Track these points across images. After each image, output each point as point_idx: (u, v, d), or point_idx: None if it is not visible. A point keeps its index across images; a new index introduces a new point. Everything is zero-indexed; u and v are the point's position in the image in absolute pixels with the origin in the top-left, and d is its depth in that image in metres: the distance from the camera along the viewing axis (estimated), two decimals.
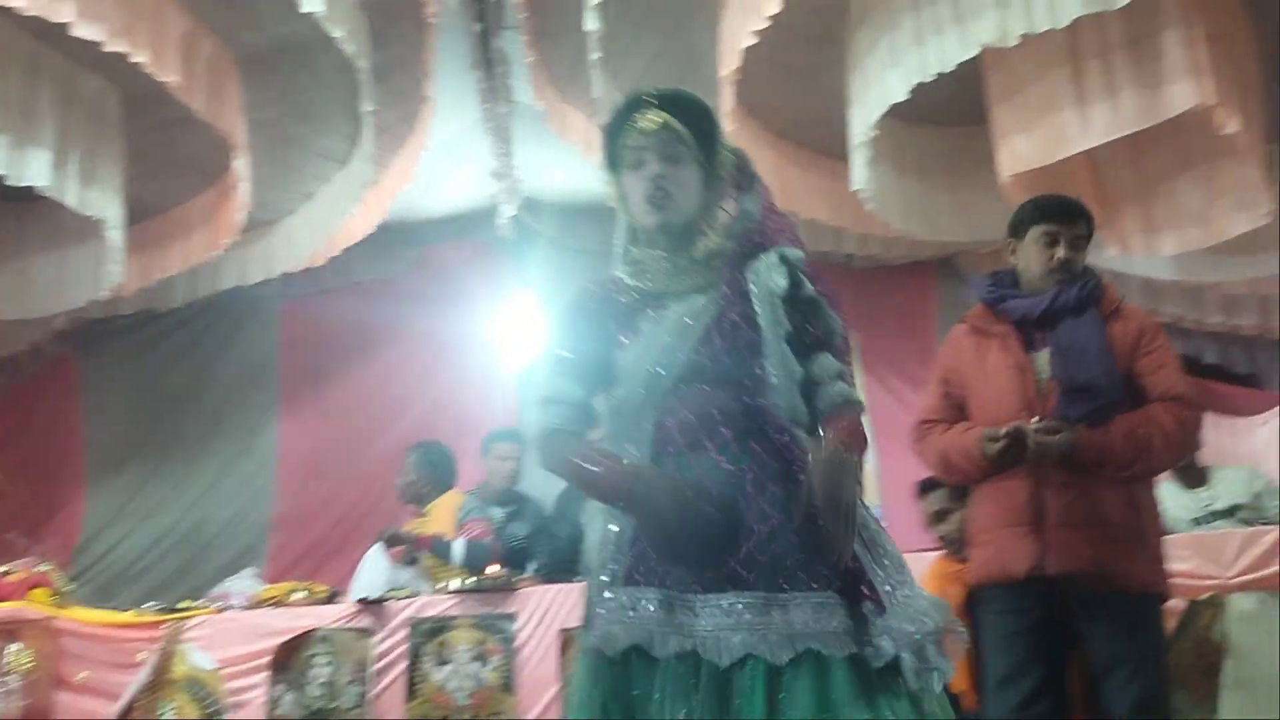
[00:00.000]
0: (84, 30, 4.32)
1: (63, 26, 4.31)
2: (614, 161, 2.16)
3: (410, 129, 6.17)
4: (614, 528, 2.01)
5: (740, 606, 1.81)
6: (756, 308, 2.01)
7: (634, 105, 2.14)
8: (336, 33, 4.73)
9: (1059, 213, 3.11)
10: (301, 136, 6.13)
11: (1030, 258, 3.09)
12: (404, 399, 7.47)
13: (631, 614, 1.85)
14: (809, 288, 2.03)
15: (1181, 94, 4.54)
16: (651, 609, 1.84)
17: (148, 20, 4.63)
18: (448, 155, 6.82)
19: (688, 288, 2.11)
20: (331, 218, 6.51)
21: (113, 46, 4.42)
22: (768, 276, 2.03)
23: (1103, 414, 2.90)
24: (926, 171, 5.87)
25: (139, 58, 4.52)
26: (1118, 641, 2.88)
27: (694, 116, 2.13)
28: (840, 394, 2.04)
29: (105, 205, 5.18)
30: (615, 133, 2.15)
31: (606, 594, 1.92)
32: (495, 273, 7.67)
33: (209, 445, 7.45)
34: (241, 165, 5.48)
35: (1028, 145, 4.91)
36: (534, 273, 7.51)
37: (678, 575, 1.88)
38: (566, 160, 6.56)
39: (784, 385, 1.97)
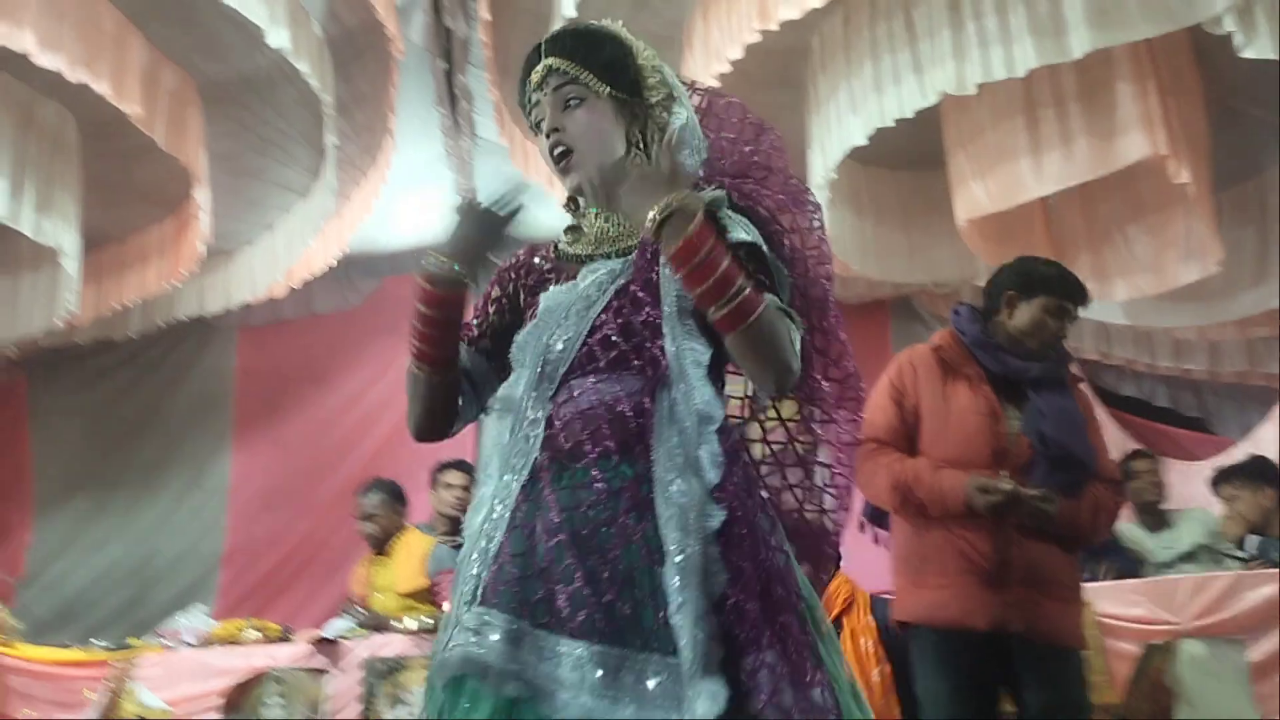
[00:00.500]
0: (44, 60, 4.30)
1: (20, 54, 4.29)
2: (534, 130, 1.80)
3: (372, 162, 6.16)
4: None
5: (590, 663, 1.44)
6: (661, 280, 1.60)
7: (529, 60, 1.79)
8: (302, 66, 4.73)
9: (1078, 291, 3.17)
10: (263, 168, 6.11)
11: (1032, 321, 3.10)
12: (359, 432, 7.41)
13: (474, 639, 1.49)
14: (735, 234, 1.58)
15: (1134, 144, 4.66)
16: (495, 638, 1.48)
17: (109, 50, 4.62)
18: (409, 189, 6.82)
19: (611, 250, 1.73)
20: (291, 249, 6.47)
21: (73, 77, 4.41)
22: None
23: (1080, 485, 3.01)
24: (884, 214, 5.96)
25: (100, 88, 4.50)
26: (1057, 692, 2.99)
27: (591, 45, 1.75)
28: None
29: (61, 234, 5.13)
30: (521, 97, 1.81)
31: (459, 611, 1.55)
32: None
33: (160, 476, 7.35)
34: (202, 196, 5.46)
35: (984, 191, 5.00)
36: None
37: (538, 602, 1.50)
38: (529, 196, 6.57)
39: (683, 373, 1.55)
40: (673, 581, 1.42)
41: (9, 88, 4.94)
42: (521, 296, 1.80)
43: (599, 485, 1.54)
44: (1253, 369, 7.10)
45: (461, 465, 5.62)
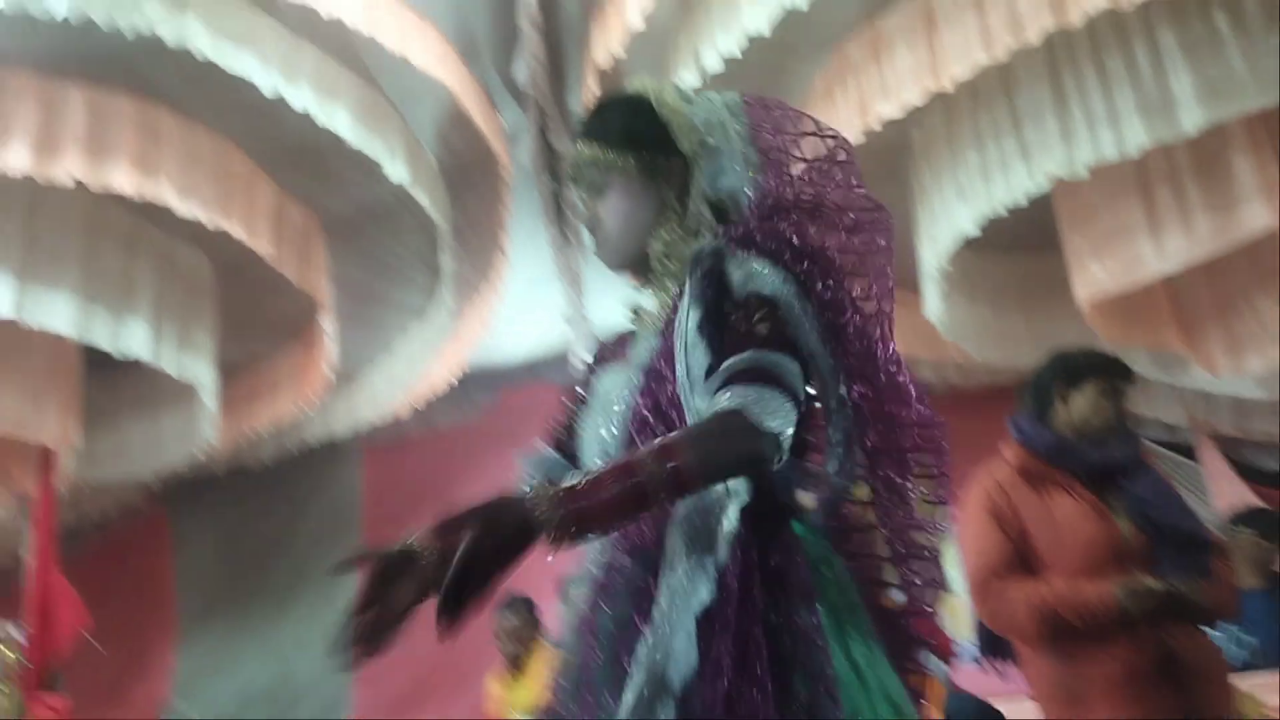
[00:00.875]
0: (183, 209, 4.55)
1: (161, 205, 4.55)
2: None
3: (486, 281, 6.35)
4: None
5: None
6: (678, 353, 1.50)
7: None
8: (419, 196, 4.93)
9: (1120, 367, 3.12)
10: (383, 292, 6.33)
11: (1090, 407, 3.05)
12: None
13: None
14: (741, 293, 1.47)
15: (1255, 215, 4.54)
16: None
17: (241, 194, 4.88)
18: (522, 302, 6.99)
19: (656, 327, 1.60)
20: (411, 369, 6.66)
21: (210, 222, 4.65)
22: (689, 289, 1.52)
23: (1205, 563, 2.90)
24: (1000, 298, 5.88)
25: (233, 231, 4.74)
26: None
27: (606, 117, 1.67)
28: (709, 392, 1.43)
29: (199, 370, 5.37)
30: None
31: None
32: None
33: (294, 596, 7.50)
34: (327, 323, 5.66)
35: (1103, 271, 4.91)
36: None
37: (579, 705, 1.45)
38: None
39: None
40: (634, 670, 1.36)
41: (149, 236, 5.23)
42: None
43: (622, 578, 1.49)
44: None
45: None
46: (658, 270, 1.61)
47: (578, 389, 1.74)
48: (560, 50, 5.25)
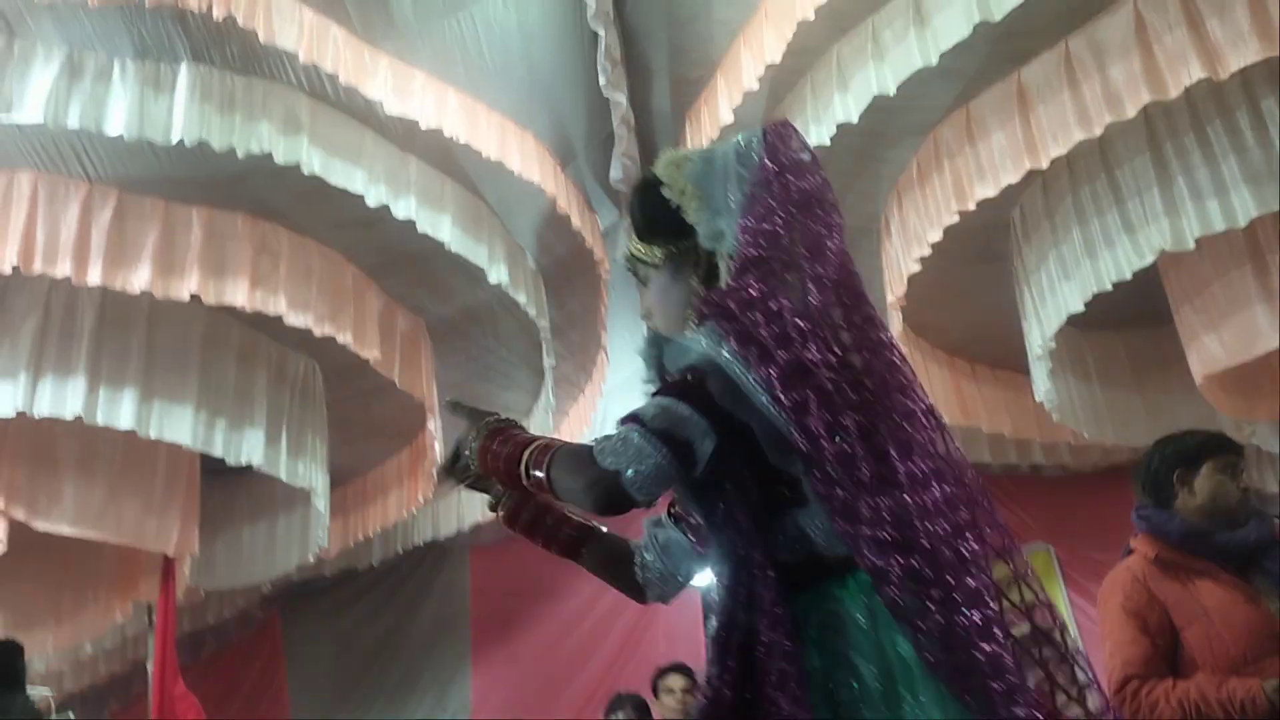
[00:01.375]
0: (295, 319, 4.71)
1: (274, 316, 4.71)
2: None
3: (588, 378, 6.41)
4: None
5: None
6: None
7: None
8: (519, 298, 5.03)
9: (1232, 444, 3.05)
10: (487, 394, 6.43)
11: (1214, 489, 2.97)
12: (592, 643, 7.44)
13: None
14: (673, 368, 1.48)
15: None
16: None
17: (350, 302, 5.03)
18: (623, 398, 7.03)
19: None
20: None
21: (320, 331, 4.79)
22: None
23: None
24: (1112, 376, 5.74)
25: (343, 339, 4.88)
26: None
27: (635, 210, 1.67)
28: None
29: (312, 475, 5.49)
30: None
31: None
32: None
33: (406, 699, 7.54)
34: (434, 426, 5.76)
35: (1218, 344, 4.76)
36: None
37: None
38: None
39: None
40: None
41: (263, 346, 5.41)
42: None
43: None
44: None
45: (681, 669, 5.51)
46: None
47: None
48: (653, 148, 5.36)
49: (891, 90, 4.26)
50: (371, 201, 4.42)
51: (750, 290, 1.45)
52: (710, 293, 1.50)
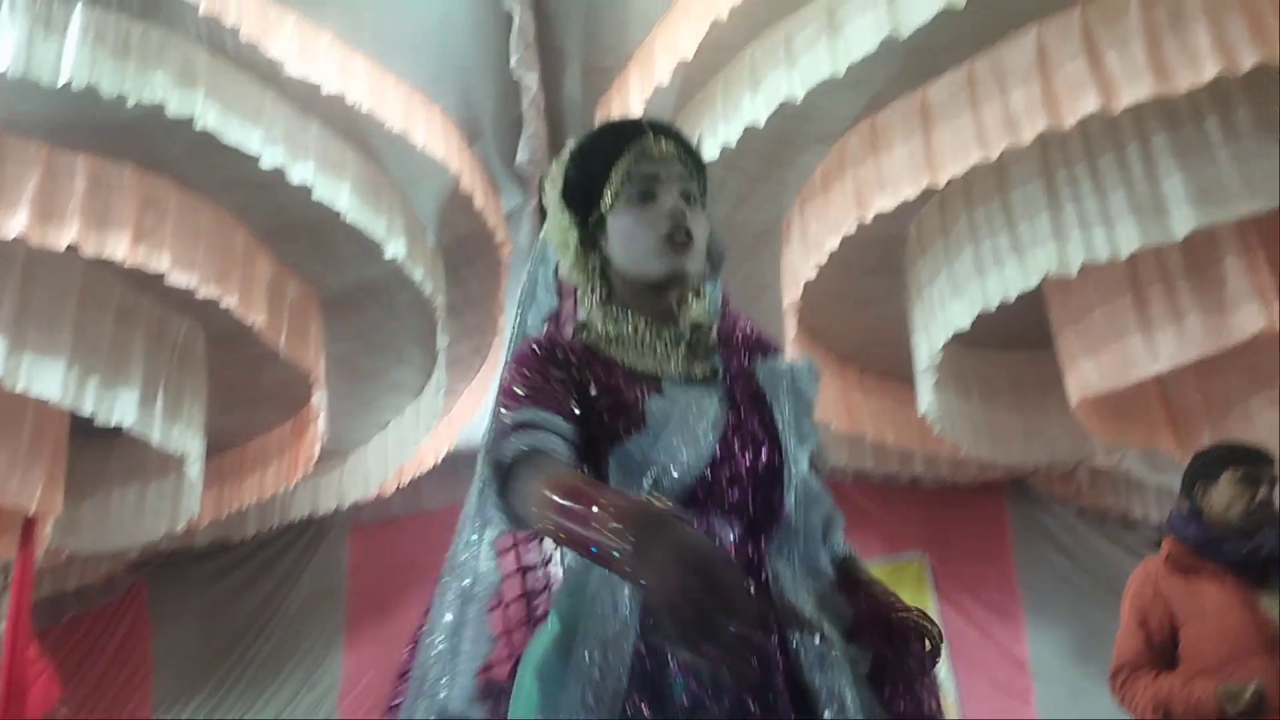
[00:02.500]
0: (179, 278, 4.57)
1: (156, 274, 4.56)
2: (595, 197, 1.63)
3: (482, 360, 6.35)
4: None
5: None
6: (778, 421, 1.54)
7: (632, 129, 1.68)
8: (417, 274, 4.95)
9: (1254, 455, 3.18)
10: (378, 370, 6.33)
11: (1227, 499, 3.11)
12: None
13: None
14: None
15: (1248, 318, 4.55)
16: None
17: (238, 265, 4.89)
18: None
19: (684, 374, 1.58)
20: (403, 447, 6.63)
21: (205, 293, 4.66)
22: (805, 384, 1.62)
23: None
24: (993, 394, 5.88)
25: (229, 302, 4.75)
26: None
27: (697, 155, 1.71)
28: (847, 549, 1.62)
29: (187, 441, 5.33)
30: (606, 160, 1.64)
31: None
32: None
33: (274, 676, 7.38)
34: (320, 399, 5.64)
35: (1096, 370, 4.91)
36: None
37: None
38: None
39: (804, 527, 1.50)
40: None
41: (143, 305, 5.23)
42: (588, 389, 1.55)
43: None
44: None
45: None
46: (683, 317, 1.61)
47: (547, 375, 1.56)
48: (562, 134, 5.32)
49: (800, 96, 4.29)
50: (267, 163, 4.31)
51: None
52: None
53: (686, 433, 1.49)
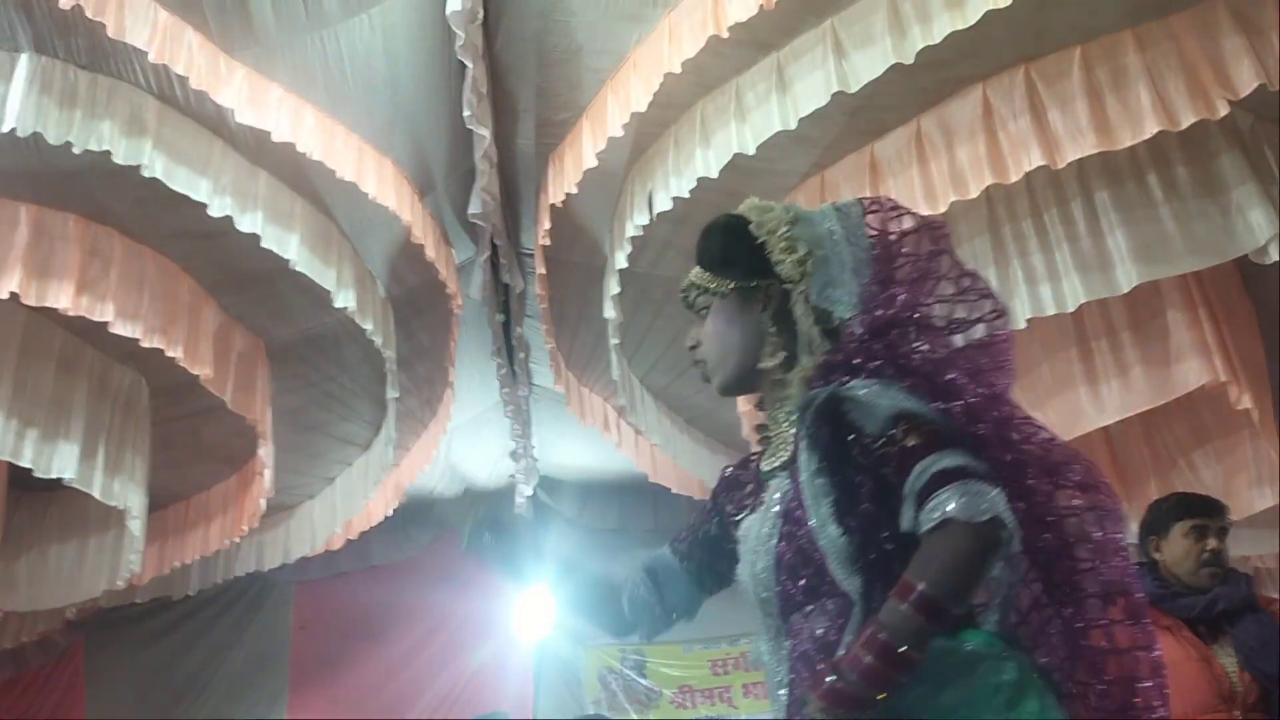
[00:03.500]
0: (123, 329, 4.48)
1: (100, 324, 4.48)
2: None
3: (433, 414, 6.29)
4: None
5: None
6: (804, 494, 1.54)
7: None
8: (366, 326, 4.90)
9: (1204, 506, 3.20)
10: (326, 423, 6.24)
11: (1180, 552, 3.14)
12: (417, 686, 7.26)
13: None
14: (872, 425, 1.49)
15: (1191, 372, 4.63)
16: None
17: (184, 316, 4.82)
18: (468, 438, 6.93)
19: (776, 465, 1.66)
20: (350, 501, 6.53)
21: (149, 343, 4.58)
22: (802, 435, 1.56)
23: None
24: None
25: (174, 352, 4.67)
26: None
27: (708, 242, 1.74)
28: (912, 520, 1.44)
29: (129, 495, 5.21)
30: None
31: None
32: None
33: None
34: (266, 452, 5.55)
35: (1044, 422, 4.95)
36: (551, 551, 7.46)
37: None
38: (584, 441, 6.64)
39: (837, 568, 1.48)
40: None
41: (86, 355, 5.13)
42: (726, 511, 1.78)
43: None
44: None
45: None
46: (768, 395, 1.68)
47: (714, 499, 1.82)
48: (515, 186, 5.33)
49: (751, 149, 4.32)
50: (215, 212, 4.26)
51: (914, 346, 1.56)
52: (867, 344, 1.55)
53: (762, 531, 1.62)
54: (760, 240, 1.67)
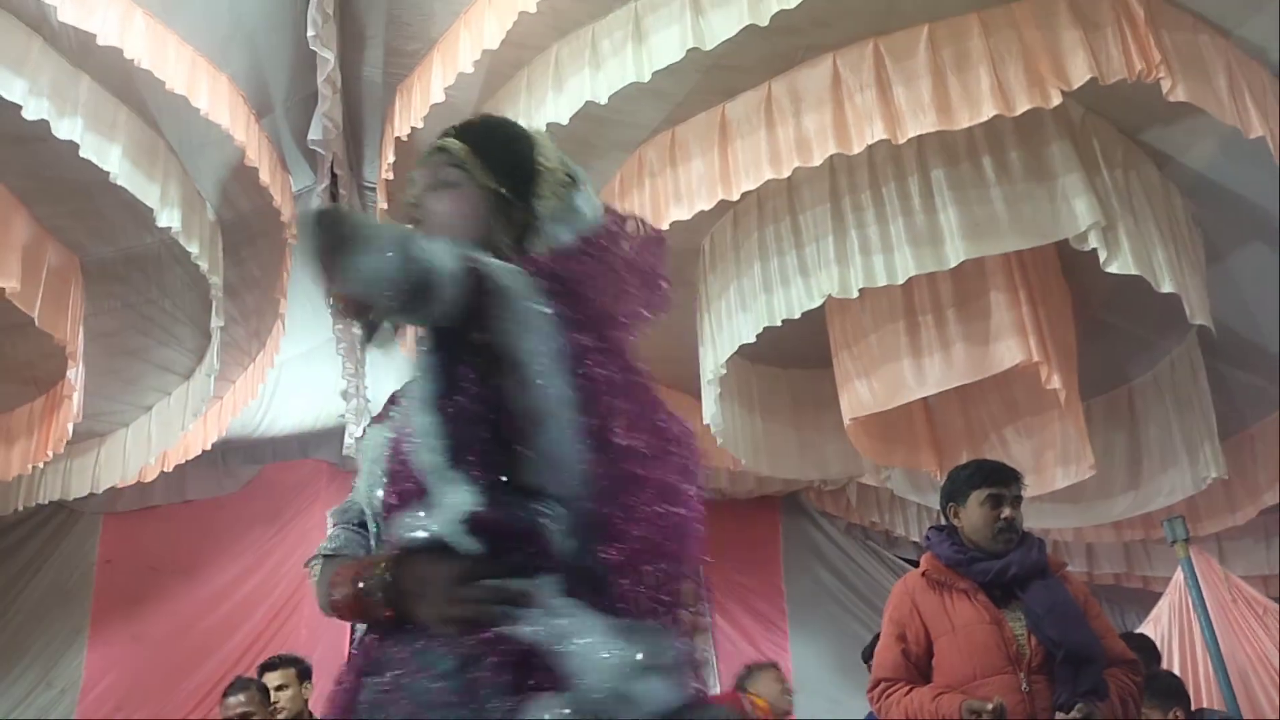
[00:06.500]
0: None
1: None
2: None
3: (260, 346, 6.08)
4: None
5: None
6: None
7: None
8: (192, 248, 4.68)
9: (999, 475, 3.30)
10: (144, 348, 5.95)
11: (976, 519, 3.24)
12: (226, 629, 7.04)
13: None
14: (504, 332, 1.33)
15: (1007, 351, 4.84)
16: None
17: None
18: (296, 374, 6.72)
19: None
20: (167, 432, 6.26)
21: None
22: None
23: (1099, 678, 3.02)
24: (774, 411, 6.03)
25: None
26: None
27: (500, 139, 1.61)
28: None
29: None
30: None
31: None
32: (338, 494, 7.45)
33: (7, 673, 6.83)
34: (75, 375, 5.26)
35: (868, 391, 5.12)
36: None
37: None
38: None
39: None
40: None
41: None
42: None
43: None
44: (1129, 571, 7.27)
45: (291, 660, 5.16)
46: None
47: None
48: (359, 116, 5.16)
49: (603, 99, 4.29)
50: (30, 114, 3.98)
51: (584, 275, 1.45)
52: (554, 257, 1.45)
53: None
54: (538, 166, 1.57)
